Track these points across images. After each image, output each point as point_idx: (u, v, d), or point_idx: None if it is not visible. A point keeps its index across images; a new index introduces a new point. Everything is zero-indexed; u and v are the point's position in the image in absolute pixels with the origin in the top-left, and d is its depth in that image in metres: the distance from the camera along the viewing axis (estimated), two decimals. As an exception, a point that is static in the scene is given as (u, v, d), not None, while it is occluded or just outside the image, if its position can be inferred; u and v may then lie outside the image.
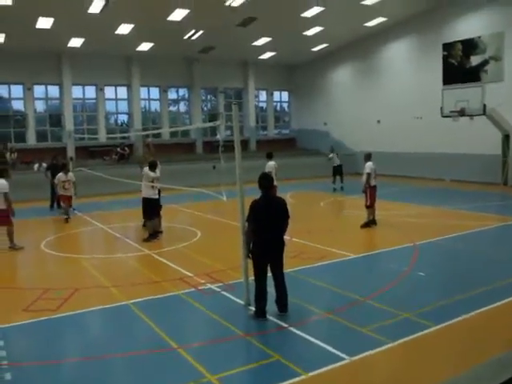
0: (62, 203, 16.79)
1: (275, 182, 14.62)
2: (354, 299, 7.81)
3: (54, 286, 9.05)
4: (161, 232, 13.27)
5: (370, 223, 13.54)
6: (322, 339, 6.29)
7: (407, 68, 27.26)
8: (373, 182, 13.45)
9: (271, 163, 16.00)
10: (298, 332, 6.58)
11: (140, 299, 8.15)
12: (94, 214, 17.28)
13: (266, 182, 7.37)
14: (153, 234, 12.81)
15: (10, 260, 11.96)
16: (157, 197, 12.96)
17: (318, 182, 24.89)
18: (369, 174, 13.33)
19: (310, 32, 26.84)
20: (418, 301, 7.76)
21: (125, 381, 5.70)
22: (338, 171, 22.70)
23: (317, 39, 28.35)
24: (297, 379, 5.33)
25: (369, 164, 13.48)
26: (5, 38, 23.51)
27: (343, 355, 5.80)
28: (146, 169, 12.93)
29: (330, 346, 6.08)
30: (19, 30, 22.51)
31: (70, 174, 16.44)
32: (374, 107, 28.82)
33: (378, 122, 28.78)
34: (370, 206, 13.54)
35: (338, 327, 6.77)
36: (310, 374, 5.42)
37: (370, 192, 13.39)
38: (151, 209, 12.79)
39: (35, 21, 21.52)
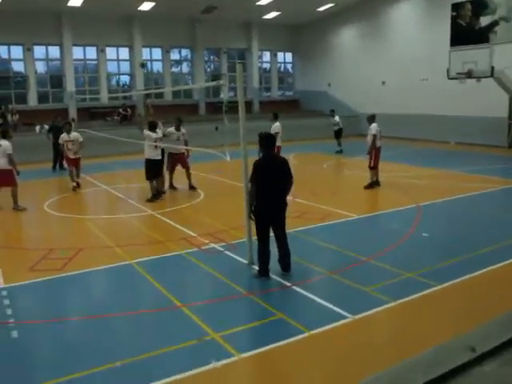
0: (67, 166, 16.23)
1: (280, 143, 14.75)
2: (357, 259, 7.83)
3: (59, 245, 9.09)
4: (164, 192, 13.29)
5: (374, 184, 13.51)
6: (325, 298, 6.32)
7: (414, 29, 26.70)
8: (378, 144, 13.38)
9: (277, 124, 15.88)
10: (300, 291, 6.63)
11: (144, 259, 8.20)
12: (96, 175, 17.25)
13: (266, 141, 7.29)
14: (156, 194, 12.80)
15: (14, 221, 11.99)
16: (159, 157, 12.97)
17: (321, 144, 24.75)
18: (375, 136, 13.25)
19: (316, -10, 26.29)
20: (421, 261, 7.78)
21: (129, 339, 5.75)
22: (338, 134, 22.61)
23: (322, -2, 27.78)
24: (300, 337, 5.39)
25: (374, 125, 13.39)
26: (0, -1, 22.99)
27: (346, 313, 5.84)
28: (146, 130, 12.87)
29: (333, 304, 6.12)
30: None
31: (75, 134, 15.12)
32: (379, 68, 28.40)
33: (383, 83, 28.41)
34: (374, 168, 13.50)
35: (341, 286, 6.81)
36: (313, 331, 5.47)
37: (375, 153, 13.32)
38: (154, 169, 12.76)
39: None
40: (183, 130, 14.02)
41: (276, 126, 15.70)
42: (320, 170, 17.70)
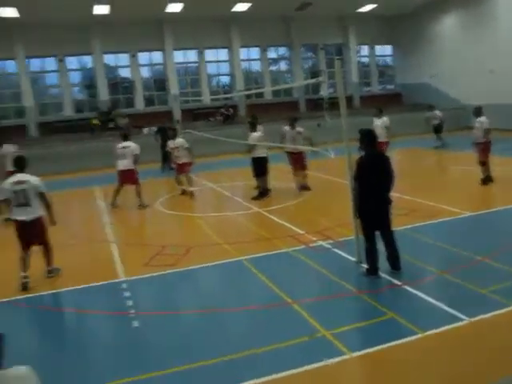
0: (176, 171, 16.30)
1: (386, 139, 14.71)
2: (471, 258, 7.50)
3: (171, 242, 9.53)
4: (269, 190, 13.42)
5: (487, 180, 12.87)
6: (438, 298, 6.13)
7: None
8: (488, 138, 12.73)
9: (385, 119, 15.62)
10: (412, 290, 6.47)
11: (252, 255, 8.37)
12: (202, 174, 17.80)
13: (368, 138, 7.15)
14: (263, 191, 13.01)
15: (129, 219, 12.76)
16: (265, 155, 13.09)
17: (426, 138, 23.92)
18: (488, 130, 12.65)
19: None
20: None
21: (240, 333, 5.91)
22: (439, 129, 21.51)
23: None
24: (413, 337, 5.27)
25: (482, 118, 12.79)
26: (110, 10, 24.37)
27: (461, 315, 5.63)
28: (254, 133, 13.18)
29: (447, 305, 5.91)
30: (123, 0, 23.22)
31: (179, 141, 14.51)
32: (486, 56, 26.81)
33: (491, 71, 26.90)
34: (484, 163, 12.88)
35: (455, 287, 6.55)
36: (427, 332, 5.33)
37: (483, 148, 12.70)
38: (261, 167, 12.99)
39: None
40: (299, 129, 13.51)
41: (384, 121, 15.49)
42: (426, 166, 17.15)
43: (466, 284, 6.52)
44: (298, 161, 13.64)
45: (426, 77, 31.69)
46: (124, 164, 13.11)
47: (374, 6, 29.43)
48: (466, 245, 8.14)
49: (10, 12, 22.66)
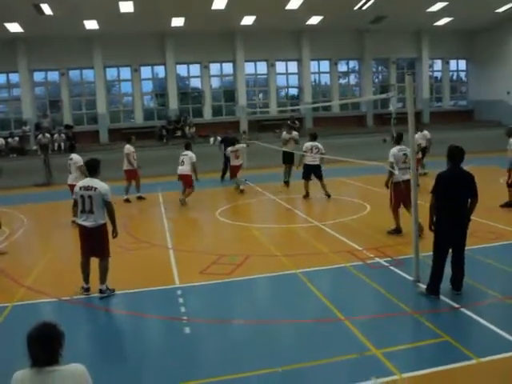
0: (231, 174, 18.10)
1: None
2: (537, 285, 7.17)
3: (228, 252, 9.62)
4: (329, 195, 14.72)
5: (508, 205, 12.64)
6: (497, 324, 5.88)
7: None
8: None
9: (425, 132, 16.04)
10: (470, 314, 6.26)
11: (308, 269, 8.33)
12: (264, 185, 17.89)
13: (454, 154, 6.99)
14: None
15: (189, 226, 12.98)
16: (316, 163, 14.84)
17: (499, 157, 22.99)
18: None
19: (493, -8, 24.63)
20: None
21: (289, 346, 5.90)
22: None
23: (501, -1, 25.90)
24: (467, 363, 5.09)
25: None
26: (184, 22, 25.11)
27: (521, 343, 5.38)
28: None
29: (506, 332, 5.67)
30: (196, 13, 23.89)
31: (239, 145, 17.49)
32: None
33: None
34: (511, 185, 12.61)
35: (516, 313, 6.28)
36: (483, 359, 5.12)
37: None
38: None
39: (211, 2, 22.73)
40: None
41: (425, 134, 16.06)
42: (495, 186, 16.45)
43: (528, 311, 6.24)
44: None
45: (500, 93, 30.57)
46: (182, 169, 14.81)
47: (451, 19, 28.71)
48: (532, 270, 7.77)
49: (91, 24, 24.06)
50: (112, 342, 6.16)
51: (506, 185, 12.74)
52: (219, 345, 5.93)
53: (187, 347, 5.83)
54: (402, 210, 10.23)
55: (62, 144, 24.74)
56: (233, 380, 5.03)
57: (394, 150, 10.33)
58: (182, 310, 6.87)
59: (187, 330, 6.24)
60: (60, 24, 22.87)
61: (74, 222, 12.09)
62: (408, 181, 8.74)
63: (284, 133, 18.47)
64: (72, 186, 12.37)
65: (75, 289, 7.69)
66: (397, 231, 10.44)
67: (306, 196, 15.11)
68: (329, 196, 14.67)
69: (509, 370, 5.05)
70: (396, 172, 9.54)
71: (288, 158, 17.71)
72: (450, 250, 6.94)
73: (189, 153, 15.00)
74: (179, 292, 7.57)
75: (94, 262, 7.70)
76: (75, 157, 12.96)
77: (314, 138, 15.18)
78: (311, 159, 14.76)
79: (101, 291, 7.59)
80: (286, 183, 17.84)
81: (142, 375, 5.36)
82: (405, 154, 10.12)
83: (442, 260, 6.86)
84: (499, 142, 24.42)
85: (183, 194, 14.89)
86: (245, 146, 17.87)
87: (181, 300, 7.22)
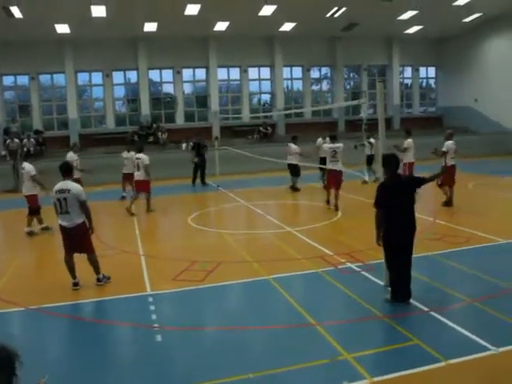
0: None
1: (413, 159, 15.63)
2: (503, 287, 7.31)
3: (200, 258, 9.56)
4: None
5: (447, 203, 13.48)
6: (465, 326, 5.99)
7: None
8: (450, 162, 13.31)
9: (409, 140, 15.89)
10: (438, 317, 6.35)
11: (280, 275, 8.34)
12: (237, 191, 17.91)
13: (389, 162, 7.00)
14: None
15: (161, 233, 12.89)
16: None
17: (467, 162, 23.46)
18: (444, 152, 13.38)
19: (462, 1, 25.10)
20: None
21: (262, 352, 5.89)
22: (369, 161, 18.98)
23: (469, 9, 26.39)
24: (436, 365, 5.16)
25: (448, 143, 13.47)
26: (157, 27, 25.04)
27: (488, 345, 5.49)
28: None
29: (474, 334, 5.78)
30: (169, 18, 23.84)
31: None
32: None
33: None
34: (442, 185, 13.42)
35: (484, 316, 6.40)
36: (451, 361, 5.21)
37: (448, 171, 12.74)
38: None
39: (184, 8, 22.67)
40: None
41: (407, 142, 15.78)
42: (464, 190, 16.75)
43: (495, 313, 6.36)
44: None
45: (468, 100, 31.21)
46: (138, 175, 14.57)
47: (421, 27, 29.23)
48: (498, 273, 7.93)
49: (63, 28, 23.74)
50: (81, 351, 6.06)
51: (437, 185, 13.45)
52: (191, 352, 5.90)
53: (159, 355, 5.77)
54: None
55: (32, 149, 24.36)
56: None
57: (327, 147, 14.45)
58: (154, 317, 6.80)
59: (159, 337, 6.18)
60: (30, 27, 22.58)
61: (31, 233, 12.11)
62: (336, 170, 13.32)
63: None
64: (28, 197, 12.33)
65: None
66: (327, 202, 14.27)
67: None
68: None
69: (477, 371, 5.14)
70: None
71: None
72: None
73: (142, 156, 14.65)
74: (150, 299, 7.50)
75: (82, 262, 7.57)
76: (27, 166, 12.49)
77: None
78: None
79: (98, 280, 8.25)
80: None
81: None
82: (334, 151, 13.83)
83: (396, 266, 6.87)
84: (466, 147, 25.00)
85: (132, 202, 14.51)
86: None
87: (152, 307, 7.16)
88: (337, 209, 13.77)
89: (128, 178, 16.37)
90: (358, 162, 17.68)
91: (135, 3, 22.34)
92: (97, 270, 8.25)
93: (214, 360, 5.61)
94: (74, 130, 26.98)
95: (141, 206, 14.81)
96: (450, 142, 13.58)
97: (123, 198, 16.75)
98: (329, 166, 13.90)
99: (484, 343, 5.53)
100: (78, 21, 22.79)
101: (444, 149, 13.45)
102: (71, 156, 14.97)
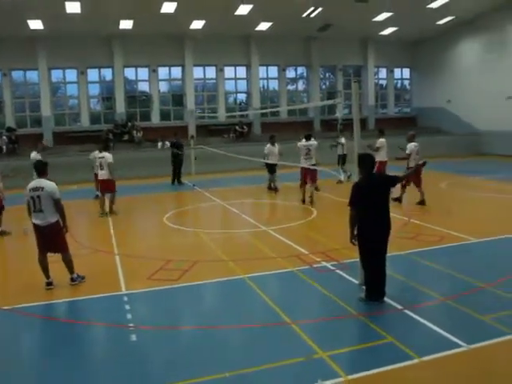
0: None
1: (386, 158, 15.70)
2: (475, 285, 7.44)
3: (176, 257, 9.54)
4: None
5: (398, 200, 13.89)
6: (438, 324, 6.08)
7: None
8: (412, 163, 13.51)
9: (381, 140, 16.04)
10: (412, 315, 6.43)
11: (256, 274, 8.36)
12: (213, 190, 17.87)
13: (364, 161, 7.07)
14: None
15: (136, 232, 12.80)
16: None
17: (440, 162, 23.83)
18: (408, 155, 13.77)
19: (435, 4, 25.46)
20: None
21: (237, 351, 5.90)
22: (341, 160, 18.72)
23: (442, 12, 26.76)
24: (409, 362, 5.23)
25: (410, 145, 13.88)
26: (132, 24, 24.87)
27: (460, 342, 5.58)
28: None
29: (446, 331, 5.87)
30: (145, 16, 23.70)
31: None
32: (504, 83, 26.72)
33: (509, 98, 26.76)
34: (405, 185, 13.78)
35: (456, 313, 6.51)
36: (424, 358, 5.29)
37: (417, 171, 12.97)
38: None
39: (160, 6, 22.56)
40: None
41: (380, 142, 15.92)
42: (437, 190, 17.00)
43: (467, 311, 6.47)
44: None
45: (441, 101, 31.67)
46: (102, 174, 14.06)
47: (395, 29, 29.56)
48: (470, 271, 8.08)
49: (36, 24, 23.33)
50: (55, 351, 5.98)
51: (402, 186, 13.73)
52: (166, 351, 5.87)
53: (134, 355, 5.73)
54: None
55: (4, 147, 23.98)
56: (180, 386, 4.99)
57: (301, 145, 14.74)
58: (129, 316, 6.74)
59: (134, 337, 6.13)
60: (2, 23, 22.20)
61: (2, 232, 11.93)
62: (313, 165, 14.03)
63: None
64: None
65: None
66: (303, 202, 14.52)
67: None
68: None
69: (448, 368, 5.22)
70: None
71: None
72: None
73: (105, 154, 14.16)
74: (125, 298, 7.45)
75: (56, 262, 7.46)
76: None
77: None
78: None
79: (72, 279, 8.16)
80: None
81: (86, 384, 5.26)
82: (308, 148, 14.48)
83: (371, 265, 6.93)
84: (439, 147, 25.41)
85: (100, 203, 14.23)
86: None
87: (127, 307, 7.10)
88: (312, 202, 14.20)
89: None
90: (333, 162, 17.84)
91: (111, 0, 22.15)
92: (71, 269, 8.19)
93: (189, 359, 5.60)
94: (48, 128, 26.62)
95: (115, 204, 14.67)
96: (413, 143, 13.91)
97: (97, 196, 16.57)
98: (302, 162, 14.40)
99: (456, 340, 5.62)
100: (51, 17, 22.49)
101: (407, 151, 13.79)
102: (34, 156, 14.45)
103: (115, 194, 14.26)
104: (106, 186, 14.11)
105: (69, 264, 8.17)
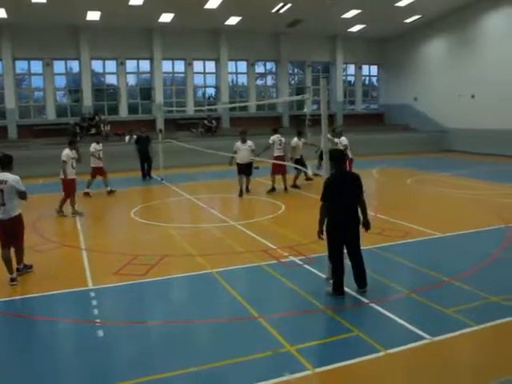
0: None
1: (351, 156, 15.71)
2: (439, 279, 7.59)
3: (143, 252, 9.48)
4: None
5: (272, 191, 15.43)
6: (403, 317, 6.19)
7: (507, 40, 25.45)
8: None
9: (343, 138, 16.07)
10: (378, 308, 6.53)
11: (223, 268, 8.36)
12: (181, 185, 17.79)
13: (336, 157, 7.18)
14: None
15: (103, 227, 12.64)
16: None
17: (406, 158, 24.23)
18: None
19: (403, 3, 25.82)
20: (509, 285, 7.37)
21: (205, 346, 5.89)
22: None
23: (409, 10, 27.20)
24: (375, 355, 5.32)
25: (342, 139, 15.41)
26: (100, 16, 24.49)
27: (424, 335, 5.70)
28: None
29: (411, 324, 5.98)
30: (113, 8, 23.37)
31: None
32: (469, 81, 27.27)
33: (473, 96, 27.36)
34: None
35: (421, 306, 6.64)
36: (390, 350, 5.38)
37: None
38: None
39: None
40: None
41: (343, 140, 15.92)
42: (403, 186, 17.27)
43: (431, 304, 6.60)
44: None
45: (408, 98, 32.14)
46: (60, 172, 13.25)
47: (363, 26, 29.86)
48: (435, 265, 8.24)
49: (-1, 13, 22.67)
50: (19, 348, 5.88)
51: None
52: (133, 347, 5.83)
53: (100, 351, 5.67)
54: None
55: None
56: (147, 382, 4.95)
57: (276, 137, 16.01)
58: (95, 312, 6.67)
59: (100, 332, 6.06)
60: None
61: None
62: (279, 156, 15.79)
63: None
64: None
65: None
66: (272, 189, 15.63)
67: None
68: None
69: (414, 360, 5.34)
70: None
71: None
72: (346, 251, 7.13)
73: (64, 151, 13.12)
74: (92, 294, 7.35)
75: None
76: None
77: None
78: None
79: (18, 270, 8.14)
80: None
81: (53, 381, 5.18)
82: (280, 139, 15.94)
83: (339, 259, 7.01)
84: (406, 144, 25.82)
85: (62, 202, 13.24)
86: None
87: (94, 302, 7.01)
88: (286, 189, 15.79)
89: None
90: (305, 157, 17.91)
91: (77, -10, 21.80)
92: (21, 259, 8.25)
93: (156, 354, 5.57)
94: (12, 121, 26.04)
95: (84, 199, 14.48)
96: (343, 138, 15.34)
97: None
98: (275, 153, 15.85)
99: (421, 333, 5.74)
100: (15, 5, 21.95)
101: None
102: None
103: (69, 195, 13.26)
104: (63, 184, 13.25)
105: (21, 254, 8.21)
